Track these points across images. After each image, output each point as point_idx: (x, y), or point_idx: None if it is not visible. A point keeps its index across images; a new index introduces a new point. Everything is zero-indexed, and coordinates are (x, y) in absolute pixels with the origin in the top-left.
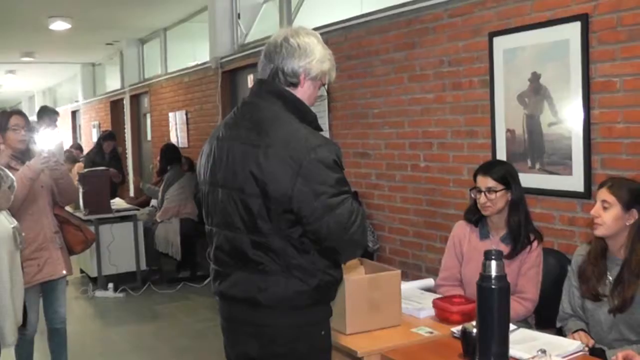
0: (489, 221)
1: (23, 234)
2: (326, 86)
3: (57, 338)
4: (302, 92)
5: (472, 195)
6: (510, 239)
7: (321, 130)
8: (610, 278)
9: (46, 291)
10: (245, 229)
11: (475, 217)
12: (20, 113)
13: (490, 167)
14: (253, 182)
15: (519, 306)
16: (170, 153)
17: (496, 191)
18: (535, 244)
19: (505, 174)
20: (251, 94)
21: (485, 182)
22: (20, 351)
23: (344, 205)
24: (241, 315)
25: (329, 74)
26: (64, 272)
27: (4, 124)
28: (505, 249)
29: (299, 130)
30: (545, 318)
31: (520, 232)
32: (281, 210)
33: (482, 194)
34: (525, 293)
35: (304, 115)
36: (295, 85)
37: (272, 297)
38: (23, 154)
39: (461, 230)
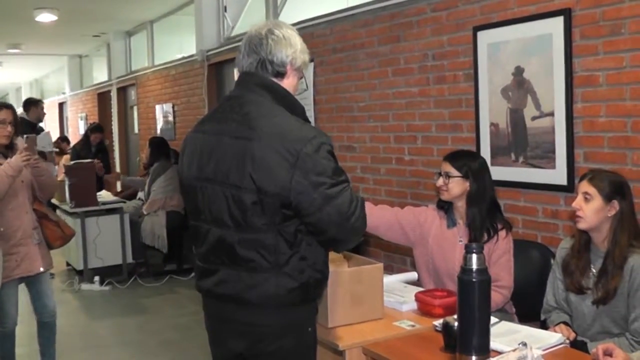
0: (455, 209)
1: (1, 229)
2: (304, 79)
3: (45, 331)
4: (288, 83)
5: (436, 178)
6: (471, 228)
7: (309, 122)
8: (594, 270)
9: (29, 286)
10: (235, 226)
11: (447, 204)
12: (7, 107)
13: (456, 155)
14: (248, 177)
15: (495, 294)
16: (159, 148)
17: (451, 176)
18: (503, 232)
19: (464, 165)
20: (238, 87)
21: (446, 166)
22: (3, 344)
23: (344, 194)
24: (228, 313)
25: (307, 68)
26: (41, 268)
27: None
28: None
29: (291, 122)
30: (529, 311)
31: (478, 224)
32: (278, 204)
33: (441, 177)
34: (500, 281)
35: (294, 107)
36: (282, 75)
37: (261, 295)
38: (7, 149)
39: (431, 214)
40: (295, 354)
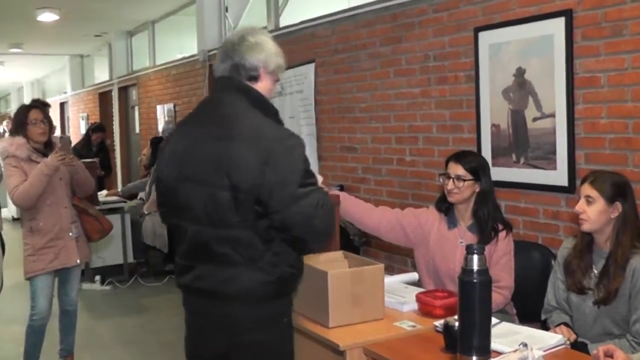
0: (456, 210)
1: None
2: (280, 83)
3: (66, 319)
4: (262, 86)
5: (441, 181)
6: (476, 229)
7: (282, 123)
8: (596, 271)
9: (61, 277)
10: (211, 223)
11: (445, 205)
12: (38, 106)
13: (463, 156)
14: (223, 175)
15: (496, 295)
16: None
17: (464, 180)
18: (503, 233)
19: (476, 166)
20: (214, 90)
21: (456, 169)
22: (28, 338)
23: (310, 196)
24: (206, 307)
25: (282, 70)
26: (78, 260)
27: (23, 118)
28: (471, 238)
29: (266, 123)
30: (530, 311)
31: (488, 223)
32: (251, 201)
33: (451, 180)
34: (500, 282)
35: (267, 109)
36: (255, 79)
37: (236, 289)
38: (45, 147)
39: (432, 215)
40: (272, 345)
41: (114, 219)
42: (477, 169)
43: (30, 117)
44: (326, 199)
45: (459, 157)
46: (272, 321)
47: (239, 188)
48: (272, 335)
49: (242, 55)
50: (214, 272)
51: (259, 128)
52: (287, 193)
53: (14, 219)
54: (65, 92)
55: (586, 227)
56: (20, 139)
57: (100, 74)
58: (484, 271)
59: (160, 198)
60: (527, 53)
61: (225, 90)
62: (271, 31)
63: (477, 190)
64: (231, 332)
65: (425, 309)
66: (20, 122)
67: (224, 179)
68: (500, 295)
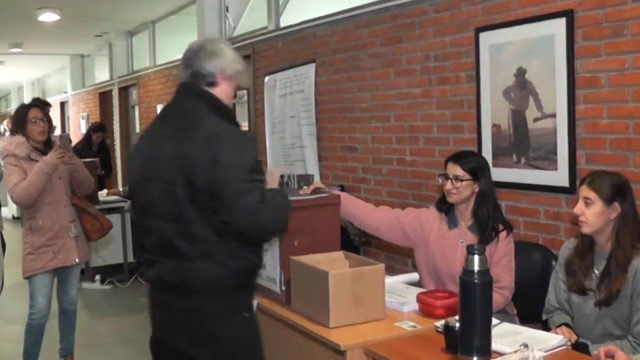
0: (457, 210)
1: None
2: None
3: (65, 318)
4: (221, 91)
5: (440, 181)
6: (477, 229)
7: (239, 126)
8: (597, 272)
9: (61, 276)
10: (171, 218)
11: (446, 205)
12: (38, 105)
13: (462, 157)
14: (180, 173)
15: (496, 295)
16: None
17: (462, 180)
18: (504, 234)
19: (475, 166)
20: (175, 96)
21: (454, 169)
22: (27, 337)
23: (255, 192)
24: (168, 301)
25: (242, 77)
26: (77, 259)
27: (23, 116)
28: (472, 238)
29: (219, 124)
30: (531, 312)
31: (487, 223)
32: (204, 197)
33: (449, 180)
34: (501, 282)
35: (224, 112)
36: (213, 84)
37: (194, 282)
38: (44, 146)
39: (432, 215)
40: (233, 340)
41: (114, 219)
42: (476, 169)
43: (30, 115)
44: (275, 196)
45: (458, 157)
46: (231, 315)
47: (194, 185)
48: (232, 329)
49: (199, 63)
50: (175, 266)
51: (212, 129)
52: (232, 188)
53: (14, 218)
54: (65, 92)
55: (586, 229)
56: (19, 138)
57: (101, 74)
58: (484, 272)
59: (131, 198)
60: (527, 53)
61: (185, 95)
62: (272, 31)
63: (477, 190)
64: (191, 325)
65: (425, 309)
66: (20, 121)
67: (181, 176)
68: (501, 295)
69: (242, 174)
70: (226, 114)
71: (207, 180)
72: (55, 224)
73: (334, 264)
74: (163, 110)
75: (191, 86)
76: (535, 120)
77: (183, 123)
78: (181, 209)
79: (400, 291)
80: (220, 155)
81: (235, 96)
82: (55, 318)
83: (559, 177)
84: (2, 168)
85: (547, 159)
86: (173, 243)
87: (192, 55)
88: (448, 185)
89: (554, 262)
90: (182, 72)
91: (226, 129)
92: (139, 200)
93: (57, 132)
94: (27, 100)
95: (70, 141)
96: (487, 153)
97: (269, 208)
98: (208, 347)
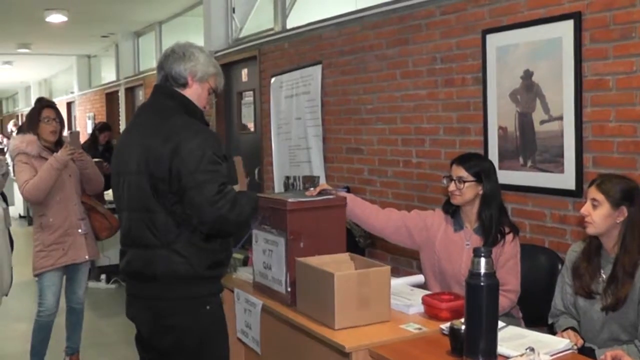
0: (462, 212)
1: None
2: (214, 94)
3: (72, 317)
4: (192, 92)
5: (445, 182)
6: (482, 231)
7: (208, 125)
8: (604, 276)
9: (69, 275)
10: (138, 209)
11: (452, 208)
12: (51, 105)
13: (467, 159)
14: (145, 165)
15: (502, 298)
16: None
17: (465, 182)
18: (510, 236)
19: (479, 170)
20: (150, 96)
21: (458, 171)
22: (35, 334)
23: (212, 183)
24: (136, 289)
25: (217, 80)
26: (87, 257)
27: (36, 116)
28: (478, 240)
29: (184, 121)
30: (536, 315)
31: (492, 226)
32: (166, 188)
33: (453, 182)
34: (507, 285)
35: (192, 111)
36: (184, 85)
37: (156, 271)
38: (55, 145)
39: (438, 217)
40: (194, 331)
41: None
42: (480, 171)
43: (43, 114)
44: (232, 190)
45: (462, 159)
46: (190, 305)
47: (156, 176)
48: (190, 320)
49: (170, 65)
50: (139, 255)
51: (177, 125)
52: (189, 178)
53: (20, 217)
54: (72, 92)
55: (591, 230)
56: (30, 136)
57: (107, 75)
58: (491, 274)
59: (112, 192)
60: (535, 55)
61: (157, 95)
62: (278, 32)
63: (481, 192)
64: (154, 312)
65: (431, 312)
66: (32, 119)
67: (145, 168)
68: (507, 298)
69: (200, 165)
70: (194, 112)
71: (167, 171)
72: (65, 222)
73: (339, 265)
74: (138, 110)
75: (163, 87)
76: (542, 122)
77: (153, 119)
78: (146, 199)
79: (406, 293)
80: (181, 147)
81: (216, 96)
82: (61, 316)
83: (566, 180)
84: (13, 166)
85: (554, 162)
86: (138, 233)
87: (165, 59)
88: (451, 186)
89: (560, 266)
90: (157, 75)
91: (189, 123)
92: (116, 194)
93: (65, 132)
94: (33, 100)
95: (79, 137)
96: (493, 156)
97: (228, 200)
98: (166, 336)
